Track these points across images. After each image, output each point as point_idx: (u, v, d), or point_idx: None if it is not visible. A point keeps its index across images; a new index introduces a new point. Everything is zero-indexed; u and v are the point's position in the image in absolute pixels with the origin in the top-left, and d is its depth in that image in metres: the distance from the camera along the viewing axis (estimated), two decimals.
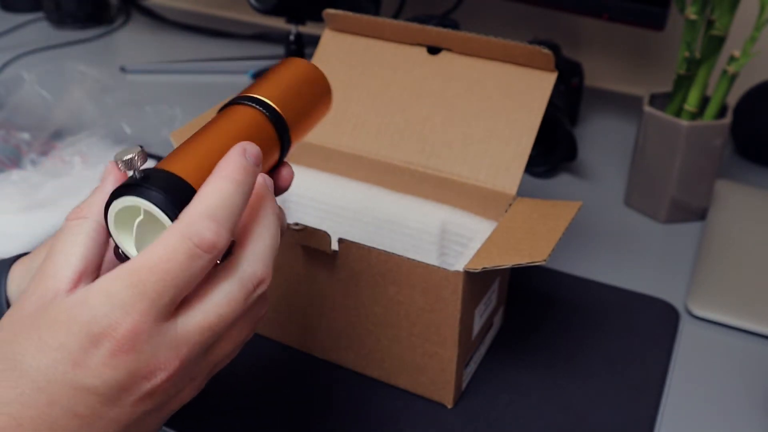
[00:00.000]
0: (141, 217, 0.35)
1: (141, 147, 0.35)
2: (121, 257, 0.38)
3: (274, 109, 0.41)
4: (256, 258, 0.36)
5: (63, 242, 0.36)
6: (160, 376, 0.34)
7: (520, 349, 0.61)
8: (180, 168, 0.36)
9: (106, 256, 0.38)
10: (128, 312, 0.32)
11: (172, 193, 0.35)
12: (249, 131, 0.40)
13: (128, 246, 0.37)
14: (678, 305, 0.66)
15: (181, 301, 0.34)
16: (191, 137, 0.39)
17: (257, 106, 0.41)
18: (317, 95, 0.45)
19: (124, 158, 0.34)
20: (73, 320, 0.33)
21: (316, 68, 0.46)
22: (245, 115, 0.41)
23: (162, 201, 0.34)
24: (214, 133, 0.39)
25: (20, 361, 0.33)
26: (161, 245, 0.33)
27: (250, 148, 0.37)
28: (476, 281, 0.52)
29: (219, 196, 0.35)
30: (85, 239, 0.36)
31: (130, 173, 0.35)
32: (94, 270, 0.36)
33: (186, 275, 0.33)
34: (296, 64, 0.45)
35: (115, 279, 0.33)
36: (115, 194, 0.35)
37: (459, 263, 0.54)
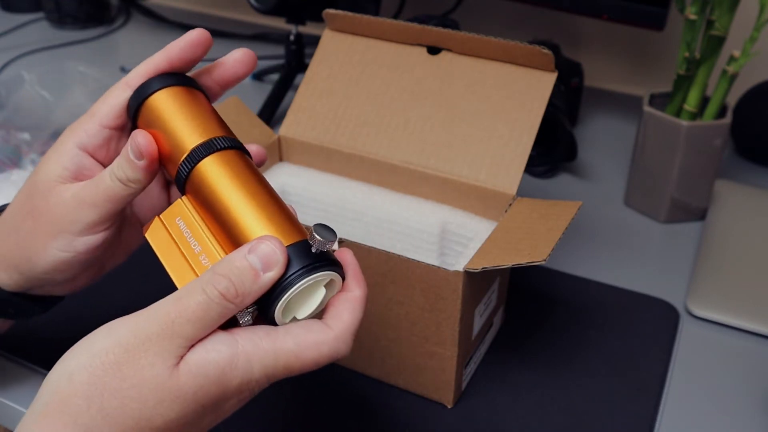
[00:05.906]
0: (324, 291, 0.39)
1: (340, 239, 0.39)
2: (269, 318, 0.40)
3: (233, 140, 0.44)
4: (349, 336, 0.40)
5: None
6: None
7: (520, 349, 0.61)
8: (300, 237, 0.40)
9: None
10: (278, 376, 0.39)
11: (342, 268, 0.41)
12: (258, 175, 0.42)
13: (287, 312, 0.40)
14: (678, 305, 0.66)
15: None
16: (258, 200, 0.41)
17: (231, 147, 0.43)
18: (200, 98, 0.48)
19: (324, 238, 0.38)
20: (237, 388, 0.38)
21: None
22: (242, 160, 0.43)
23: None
24: (270, 193, 0.41)
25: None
26: (322, 346, 0.38)
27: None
28: (476, 281, 0.52)
29: (361, 314, 0.40)
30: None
31: (314, 249, 0.38)
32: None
33: None
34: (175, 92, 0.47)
35: (274, 359, 0.38)
36: (311, 268, 0.38)
37: (459, 263, 0.54)
